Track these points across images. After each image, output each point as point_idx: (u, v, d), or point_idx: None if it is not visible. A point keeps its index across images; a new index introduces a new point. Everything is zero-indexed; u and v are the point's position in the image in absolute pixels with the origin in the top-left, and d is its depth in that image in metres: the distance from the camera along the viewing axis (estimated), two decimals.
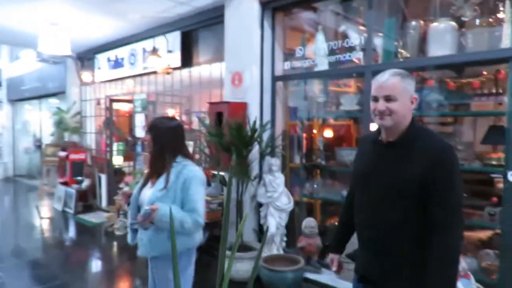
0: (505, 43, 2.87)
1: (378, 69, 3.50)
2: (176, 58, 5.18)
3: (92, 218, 6.20)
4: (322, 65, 4.00)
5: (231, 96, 4.36)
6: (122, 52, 6.24)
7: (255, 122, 3.72)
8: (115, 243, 5.10)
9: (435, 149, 1.51)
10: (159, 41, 5.22)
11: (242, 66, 4.26)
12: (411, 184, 1.51)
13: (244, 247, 3.84)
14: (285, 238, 4.09)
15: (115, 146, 7.24)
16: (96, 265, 4.53)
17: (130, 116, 8.25)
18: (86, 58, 7.19)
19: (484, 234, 3.37)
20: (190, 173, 2.04)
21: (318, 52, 4.02)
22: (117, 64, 6.36)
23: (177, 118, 2.84)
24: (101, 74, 6.82)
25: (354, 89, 4.18)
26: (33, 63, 9.08)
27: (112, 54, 6.49)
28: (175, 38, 5.18)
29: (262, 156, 3.79)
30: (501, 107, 2.98)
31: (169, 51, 5.23)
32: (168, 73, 5.24)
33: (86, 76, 6.73)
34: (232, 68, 4.36)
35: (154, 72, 5.64)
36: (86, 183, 6.87)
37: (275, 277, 3.45)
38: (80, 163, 7.08)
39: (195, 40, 5.14)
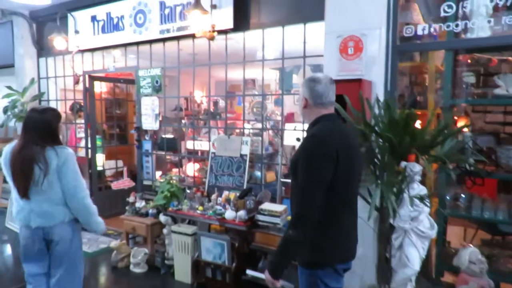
0: None
1: None
2: (226, 17, 3.58)
3: None
4: (483, 29, 2.83)
5: (339, 72, 3.00)
6: (119, 9, 4.38)
7: (438, 114, 2.43)
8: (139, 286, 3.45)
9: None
10: None
11: (362, 27, 2.90)
12: (290, 168, 1.84)
13: None
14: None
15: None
16: None
17: (109, 100, 6.32)
18: (50, 17, 5.09)
19: None
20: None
21: (476, 9, 2.82)
22: (111, 25, 4.48)
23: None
24: (80, 40, 4.84)
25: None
26: None
27: (100, 11, 4.57)
28: None
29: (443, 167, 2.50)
30: None
31: (214, 6, 3.62)
32: (212, 38, 3.62)
33: (59, 42, 4.63)
34: (342, 30, 2.97)
35: (178, 38, 3.96)
36: None
37: None
38: None
39: None
